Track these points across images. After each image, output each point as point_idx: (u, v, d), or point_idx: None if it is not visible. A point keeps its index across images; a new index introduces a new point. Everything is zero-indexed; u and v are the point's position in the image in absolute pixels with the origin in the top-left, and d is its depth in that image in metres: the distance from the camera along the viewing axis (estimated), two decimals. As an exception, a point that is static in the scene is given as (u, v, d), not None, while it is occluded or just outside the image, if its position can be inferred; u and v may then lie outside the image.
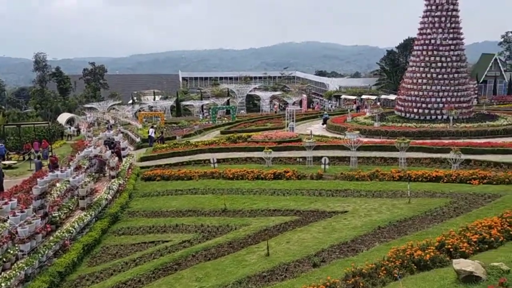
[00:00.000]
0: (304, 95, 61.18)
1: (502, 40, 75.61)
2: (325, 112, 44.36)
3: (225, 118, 46.58)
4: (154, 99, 71.36)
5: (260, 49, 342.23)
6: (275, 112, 54.32)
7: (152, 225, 14.59)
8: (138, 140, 33.25)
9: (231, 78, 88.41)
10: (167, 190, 18.89)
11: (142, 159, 26.18)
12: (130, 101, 72.17)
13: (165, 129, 38.13)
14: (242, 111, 60.66)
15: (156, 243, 12.98)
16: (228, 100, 61.97)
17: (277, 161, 22.55)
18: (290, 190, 16.93)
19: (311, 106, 62.26)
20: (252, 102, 70.16)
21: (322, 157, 20.65)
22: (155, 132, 33.30)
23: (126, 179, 20.10)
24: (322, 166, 19.96)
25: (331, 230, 11.90)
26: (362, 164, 20.71)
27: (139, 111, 57.25)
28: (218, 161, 22.90)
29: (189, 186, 19.15)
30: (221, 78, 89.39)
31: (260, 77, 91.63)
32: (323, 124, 37.01)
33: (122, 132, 34.56)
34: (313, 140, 23.42)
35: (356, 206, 14.08)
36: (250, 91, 65.43)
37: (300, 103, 58.13)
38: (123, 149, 24.69)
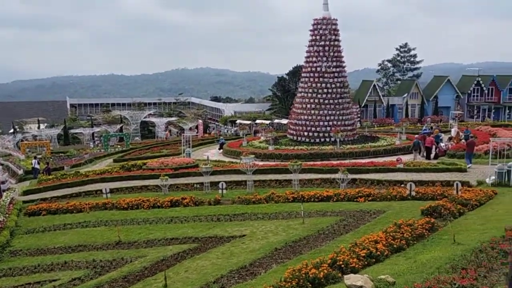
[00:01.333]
0: (200, 121, 61.34)
1: (379, 67, 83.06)
2: (221, 137, 44.80)
3: (119, 146, 44.91)
4: (39, 127, 66.61)
5: (154, 75, 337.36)
6: (166, 138, 53.65)
7: (38, 263, 13.40)
8: (20, 172, 30.70)
9: (124, 104, 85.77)
10: (54, 225, 17.55)
11: (26, 192, 24.14)
12: (11, 130, 66.57)
13: (51, 159, 35.67)
14: (137, 138, 58.97)
15: (43, 283, 11.92)
16: (121, 127, 59.92)
17: (174, 188, 22.17)
18: (188, 217, 16.69)
19: (208, 131, 62.55)
20: (147, 129, 68.57)
21: (219, 182, 20.71)
22: (39, 163, 31.00)
23: (7, 215, 18.35)
24: (220, 191, 20.01)
25: (230, 255, 11.89)
26: (259, 187, 21.14)
27: (22, 140, 53.01)
28: (111, 191, 21.89)
29: (79, 219, 18.00)
30: (113, 104, 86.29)
31: (154, 103, 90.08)
32: (219, 149, 37.29)
33: (2, 164, 31.68)
34: (210, 166, 23.45)
35: (254, 229, 14.27)
36: (145, 117, 63.93)
37: (197, 128, 58.13)
38: (3, 182, 22.66)
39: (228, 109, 75.41)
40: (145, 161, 30.16)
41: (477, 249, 8.54)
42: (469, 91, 59.66)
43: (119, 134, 50.63)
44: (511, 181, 17.73)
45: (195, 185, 22.66)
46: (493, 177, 18.42)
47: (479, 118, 58.01)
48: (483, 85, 59.48)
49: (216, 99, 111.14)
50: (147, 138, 61.62)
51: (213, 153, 36.23)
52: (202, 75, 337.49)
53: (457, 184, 16.58)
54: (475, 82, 59.68)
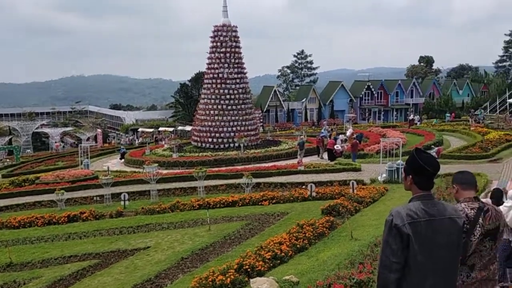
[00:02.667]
0: (99, 130, 58.67)
1: (279, 73, 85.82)
2: (122, 146, 43.21)
3: (8, 160, 41.39)
4: None
5: (46, 82, 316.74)
6: (56, 150, 50.43)
7: None
8: None
9: (12, 115, 79.38)
10: None
11: None
12: None
13: None
14: (28, 150, 54.85)
15: None
16: (10, 139, 55.30)
17: (71, 202, 20.87)
18: (87, 232, 15.78)
19: (108, 140, 60.01)
20: (40, 140, 64.04)
21: (121, 193, 19.91)
22: None
23: None
24: (122, 202, 19.23)
25: (134, 269, 11.45)
26: (163, 196, 20.67)
27: None
28: (1, 209, 20.07)
29: (-39, 243, 16.22)
30: (0, 115, 79.52)
31: (48, 113, 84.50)
32: (121, 158, 35.93)
33: None
34: (111, 177, 22.46)
35: (159, 239, 13.89)
36: (37, 128, 59.67)
37: (95, 138, 55.49)
38: None
39: (129, 117, 73.09)
40: (38, 175, 28.10)
41: (372, 243, 9.09)
42: (361, 95, 63.87)
43: (8, 147, 46.67)
44: (400, 178, 19.21)
45: (94, 198, 21.56)
46: (384, 175, 19.82)
47: (371, 120, 62.30)
48: (373, 89, 64.02)
49: (116, 107, 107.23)
50: (40, 150, 57.53)
51: (114, 163, 34.81)
52: (101, 82, 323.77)
53: (352, 183, 17.60)
54: (366, 86, 64.08)
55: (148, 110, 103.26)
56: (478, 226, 3.53)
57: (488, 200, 9.80)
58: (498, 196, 8.79)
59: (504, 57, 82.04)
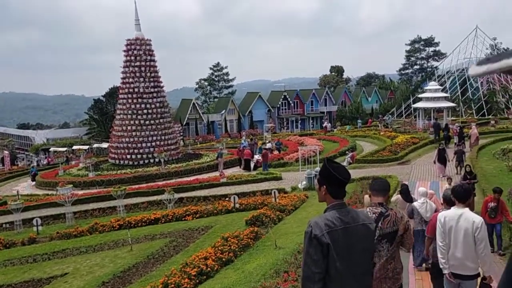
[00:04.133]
0: (6, 152, 54.62)
1: (197, 86, 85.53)
2: (33, 167, 40.52)
3: None
4: None
5: None
6: None
7: None
8: None
9: None
10: None
11: None
12: None
13: None
14: None
15: None
16: None
17: (-24, 232, 19.18)
18: (-4, 264, 14.58)
19: (16, 162, 56.01)
20: None
21: (33, 218, 18.66)
22: None
23: None
24: (35, 228, 18.02)
25: (51, 299, 10.76)
26: (80, 219, 19.66)
27: None
28: None
29: None
30: None
31: None
32: (32, 180, 33.70)
33: None
34: (21, 201, 20.95)
35: (77, 265, 13.18)
36: None
37: (2, 160, 51.58)
38: None
39: (39, 137, 68.85)
40: None
41: (295, 250, 9.30)
42: (279, 105, 65.45)
43: None
44: (318, 184, 19.93)
45: (3, 225, 20.00)
46: (304, 182, 20.43)
47: (289, 129, 64.01)
48: (289, 99, 65.89)
49: (24, 126, 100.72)
50: None
51: (24, 186, 32.55)
52: (5, 101, 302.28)
53: (274, 192, 17.94)
54: (282, 97, 65.80)
55: (60, 128, 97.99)
56: (377, 228, 3.87)
57: (398, 196, 10.58)
58: (404, 190, 9.83)
59: (407, 65, 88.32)
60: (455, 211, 5.26)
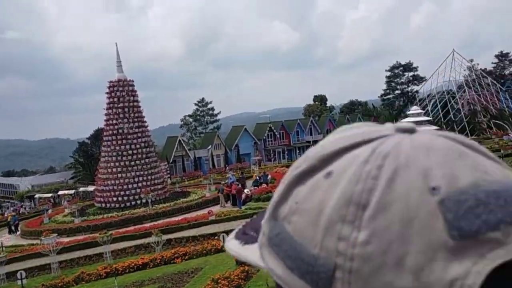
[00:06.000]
0: (-10, 201, 53.51)
1: (182, 123, 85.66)
2: (15, 215, 39.57)
3: None
4: None
5: None
6: None
7: None
8: None
9: None
10: None
11: None
12: None
13: None
14: None
15: None
16: None
17: (-43, 289, 18.47)
18: (-22, 323, 13.97)
19: (1, 212, 54.83)
20: None
21: (17, 271, 18.04)
22: None
23: None
24: (19, 281, 17.40)
25: None
26: (66, 268, 19.08)
27: None
28: None
29: None
30: None
31: None
32: (15, 230, 32.86)
33: None
34: (4, 254, 20.34)
35: (63, 319, 12.67)
36: None
37: (-15, 211, 50.41)
38: None
39: (24, 183, 67.88)
40: None
41: None
42: (264, 137, 65.65)
43: None
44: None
45: (-14, 280, 19.30)
46: (293, 215, 20.19)
47: (276, 160, 64.01)
48: (274, 131, 66.20)
49: (9, 173, 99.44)
50: None
51: (8, 237, 31.69)
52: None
53: (264, 228, 17.65)
54: (268, 128, 66.12)
55: (45, 173, 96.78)
56: None
57: None
58: None
59: (388, 91, 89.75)
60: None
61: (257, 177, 34.32)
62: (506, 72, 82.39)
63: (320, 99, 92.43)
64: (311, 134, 68.92)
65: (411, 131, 0.39)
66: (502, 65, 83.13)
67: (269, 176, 34.97)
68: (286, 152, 66.45)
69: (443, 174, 0.33)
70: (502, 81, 73.34)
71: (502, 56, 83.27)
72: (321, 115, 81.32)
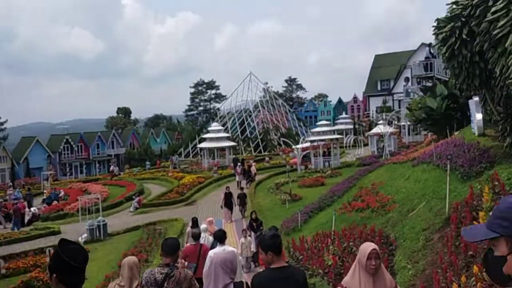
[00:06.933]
0: None
1: None
2: None
3: None
4: None
5: None
6: None
7: None
8: None
9: None
10: None
11: None
12: None
13: None
14: None
15: None
16: None
17: None
18: None
19: None
20: None
21: None
22: None
23: None
24: None
25: None
26: None
27: None
28: None
29: None
30: None
31: None
32: None
33: None
34: None
35: None
36: None
37: None
38: None
39: None
40: None
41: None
42: (60, 150, 60.42)
43: None
44: (101, 235, 18.57)
45: None
46: (85, 235, 18.82)
47: (73, 175, 59.51)
48: (72, 143, 61.53)
49: None
50: None
51: None
52: None
53: (49, 250, 15.94)
54: (65, 140, 61.10)
55: None
56: None
57: (189, 229, 11.96)
58: (195, 221, 13.00)
59: (192, 107, 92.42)
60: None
61: (50, 194, 31.16)
62: (294, 95, 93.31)
63: (124, 112, 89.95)
64: (113, 147, 66.13)
65: None
66: (290, 88, 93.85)
67: (62, 193, 32.20)
68: (85, 166, 62.37)
69: None
70: (291, 103, 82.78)
71: (290, 81, 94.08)
72: (124, 128, 79.02)
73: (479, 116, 13.34)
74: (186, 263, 7.80)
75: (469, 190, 8.00)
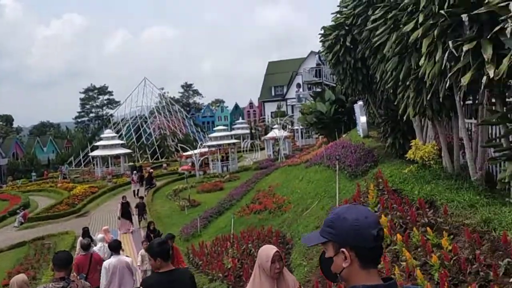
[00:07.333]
0: None
1: None
2: None
3: None
4: None
5: None
6: None
7: None
8: None
9: None
10: None
11: None
12: None
13: None
14: None
15: None
16: None
17: None
18: None
19: None
20: None
21: None
22: None
23: None
24: None
25: None
26: None
27: None
28: None
29: None
30: None
31: None
32: None
33: None
34: None
35: None
36: None
37: None
38: None
39: None
40: None
41: None
42: None
43: None
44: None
45: None
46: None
47: None
48: None
49: None
50: None
51: None
52: None
53: None
54: None
55: None
56: None
57: (80, 239, 11.66)
58: (86, 231, 12.54)
59: (82, 113, 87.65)
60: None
61: None
62: (191, 100, 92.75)
63: (6, 119, 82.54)
64: (-8, 159, 60.35)
65: None
66: (187, 94, 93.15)
67: None
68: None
69: None
70: (188, 109, 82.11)
71: (187, 87, 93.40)
72: (6, 137, 72.43)
73: (363, 119, 14.37)
74: (76, 274, 7.38)
75: (356, 188, 8.55)
